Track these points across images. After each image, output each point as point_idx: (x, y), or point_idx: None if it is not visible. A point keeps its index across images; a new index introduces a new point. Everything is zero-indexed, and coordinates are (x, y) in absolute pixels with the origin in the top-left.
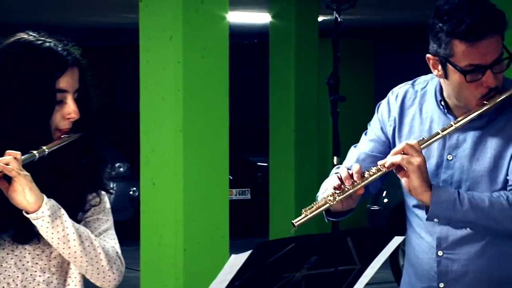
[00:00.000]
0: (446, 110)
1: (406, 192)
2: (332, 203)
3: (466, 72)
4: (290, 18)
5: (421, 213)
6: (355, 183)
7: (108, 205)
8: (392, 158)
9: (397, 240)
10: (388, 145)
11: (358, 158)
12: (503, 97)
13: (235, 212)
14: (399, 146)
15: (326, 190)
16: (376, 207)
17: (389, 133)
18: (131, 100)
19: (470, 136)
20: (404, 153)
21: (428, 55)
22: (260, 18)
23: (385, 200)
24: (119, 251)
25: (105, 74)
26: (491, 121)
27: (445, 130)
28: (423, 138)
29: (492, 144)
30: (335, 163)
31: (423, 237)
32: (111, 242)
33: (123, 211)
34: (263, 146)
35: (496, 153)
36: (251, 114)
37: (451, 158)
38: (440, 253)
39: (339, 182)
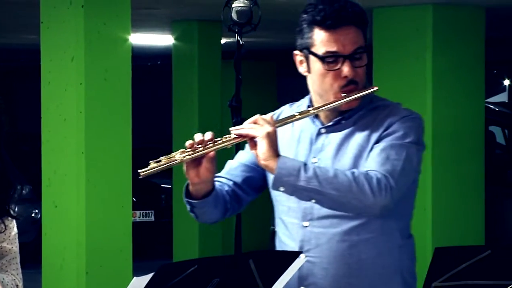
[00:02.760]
0: (313, 117)
1: (275, 201)
2: (181, 159)
3: (324, 59)
4: (193, 40)
5: (287, 219)
6: (207, 145)
7: (14, 232)
8: (244, 125)
9: (299, 261)
10: None
11: (231, 166)
12: (362, 93)
13: (139, 234)
14: (252, 117)
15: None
16: None
17: None
18: (32, 122)
19: (334, 138)
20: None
21: (294, 52)
22: (163, 40)
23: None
24: (20, 284)
25: (4, 96)
26: (354, 125)
27: (303, 114)
28: (279, 119)
29: (353, 145)
30: None
31: (287, 243)
32: (13, 273)
33: (25, 233)
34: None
35: (357, 152)
36: (154, 136)
37: (315, 161)
38: (302, 255)
39: (192, 143)
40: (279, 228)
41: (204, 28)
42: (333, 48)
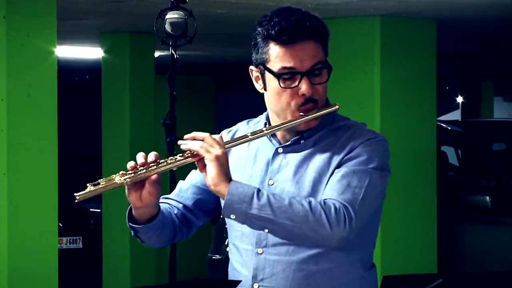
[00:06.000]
0: (270, 136)
1: (229, 225)
2: (121, 182)
3: (280, 76)
4: (123, 53)
5: (240, 245)
6: (150, 167)
7: None
8: (191, 144)
9: None
10: None
11: (181, 188)
12: (321, 113)
13: (66, 262)
14: (201, 134)
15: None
16: (217, 256)
17: None
18: None
19: (292, 160)
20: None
21: (250, 67)
22: (92, 53)
23: (228, 249)
24: None
25: None
26: (314, 146)
27: (255, 134)
28: (230, 139)
29: (312, 169)
30: None
31: (240, 271)
32: None
33: None
34: None
35: (316, 176)
36: (82, 156)
37: (272, 183)
38: (255, 285)
39: (133, 165)
40: (232, 254)
41: (136, 41)
42: (290, 64)
